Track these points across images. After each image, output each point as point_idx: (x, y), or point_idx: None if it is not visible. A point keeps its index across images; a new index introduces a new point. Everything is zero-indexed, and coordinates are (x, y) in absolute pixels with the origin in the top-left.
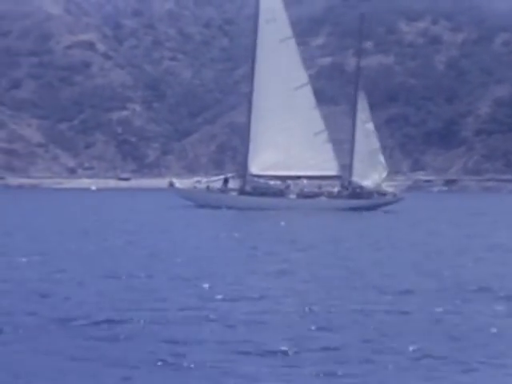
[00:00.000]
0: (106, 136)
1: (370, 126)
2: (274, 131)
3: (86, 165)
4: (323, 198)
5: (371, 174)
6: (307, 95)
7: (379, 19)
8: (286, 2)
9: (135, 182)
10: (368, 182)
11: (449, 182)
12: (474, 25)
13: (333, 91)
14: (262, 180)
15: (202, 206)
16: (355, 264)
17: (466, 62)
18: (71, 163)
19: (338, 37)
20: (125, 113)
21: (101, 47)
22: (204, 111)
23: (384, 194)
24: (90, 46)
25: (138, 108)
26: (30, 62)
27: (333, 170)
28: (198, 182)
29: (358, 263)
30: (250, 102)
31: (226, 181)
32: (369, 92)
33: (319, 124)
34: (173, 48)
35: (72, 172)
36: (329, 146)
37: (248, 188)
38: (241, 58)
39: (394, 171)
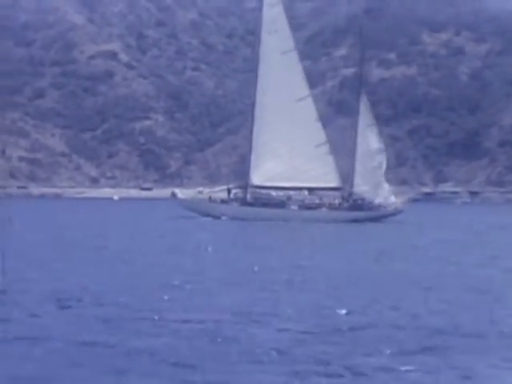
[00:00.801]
0: (128, 146)
1: (374, 140)
2: (276, 143)
3: (109, 174)
4: (324, 210)
5: (378, 190)
6: (309, 107)
7: (402, 30)
8: (310, 14)
9: (157, 192)
10: (380, 198)
11: (471, 194)
12: (497, 36)
13: (355, 102)
14: (263, 191)
15: (203, 216)
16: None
17: (489, 72)
18: (94, 173)
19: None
20: (147, 123)
21: (124, 57)
22: (226, 121)
23: (385, 206)
24: (113, 55)
25: (160, 118)
26: (53, 71)
27: (334, 182)
28: (200, 192)
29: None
30: (252, 114)
31: (229, 191)
32: (392, 103)
33: (321, 136)
34: (196, 58)
35: (94, 181)
36: (330, 158)
37: (250, 199)
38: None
39: (398, 183)
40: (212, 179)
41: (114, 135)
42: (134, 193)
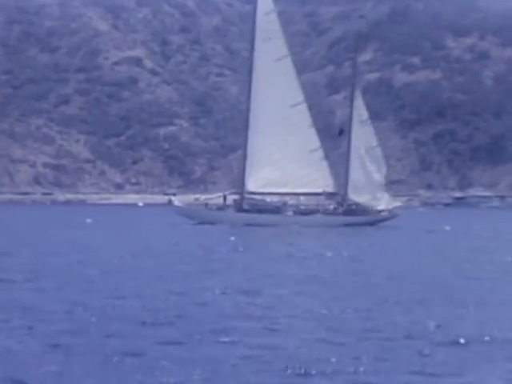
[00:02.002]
0: (152, 152)
1: (368, 139)
2: (271, 149)
3: (133, 180)
4: (319, 215)
5: (375, 194)
6: (303, 113)
7: (426, 35)
8: (333, 18)
9: (181, 198)
10: (381, 205)
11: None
12: None
13: (379, 107)
14: (258, 197)
15: (199, 223)
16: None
17: None
18: (118, 179)
19: (385, 52)
20: (172, 128)
21: (148, 63)
22: None
23: (379, 211)
24: (138, 62)
25: (184, 124)
26: (77, 78)
27: (328, 187)
28: (197, 199)
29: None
30: (246, 120)
31: (224, 198)
32: (416, 107)
33: (315, 141)
34: (219, 64)
35: (119, 187)
36: (324, 163)
37: (245, 205)
38: None
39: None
40: (236, 184)
41: (138, 141)
42: (159, 199)
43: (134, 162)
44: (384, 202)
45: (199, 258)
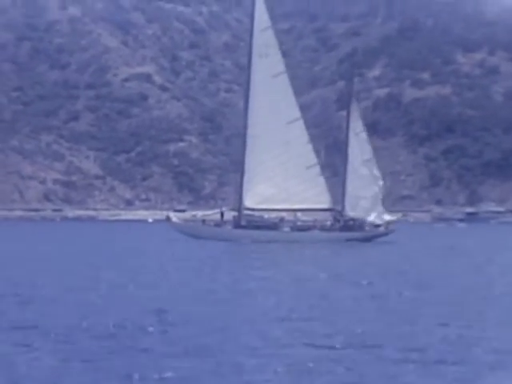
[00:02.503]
0: (162, 168)
1: (362, 151)
2: (268, 165)
3: (143, 196)
4: (316, 231)
5: (371, 208)
6: (300, 129)
7: (436, 50)
8: (343, 34)
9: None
10: (378, 219)
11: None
12: None
13: (389, 122)
14: (256, 213)
15: (197, 239)
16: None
17: None
18: (128, 195)
19: (394, 68)
20: (181, 145)
21: (158, 79)
22: None
23: (377, 226)
24: (147, 78)
25: (194, 140)
26: (87, 94)
27: (325, 203)
28: (194, 216)
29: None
30: (244, 137)
31: (222, 214)
32: (426, 123)
33: (312, 158)
34: (229, 80)
35: (129, 204)
36: (321, 179)
37: (243, 221)
38: (297, 88)
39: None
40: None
41: (147, 157)
42: None
43: (144, 178)
44: (381, 217)
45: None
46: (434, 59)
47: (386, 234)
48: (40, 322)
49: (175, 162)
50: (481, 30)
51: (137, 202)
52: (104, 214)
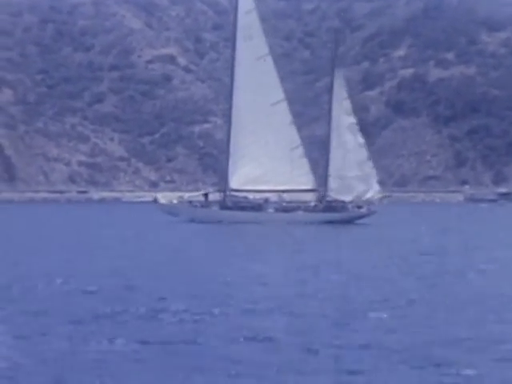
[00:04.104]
0: (187, 149)
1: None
2: (252, 146)
3: (168, 178)
4: (300, 212)
5: (358, 187)
6: (284, 111)
7: (460, 30)
8: (367, 15)
9: (213, 196)
10: (349, 197)
11: None
12: None
13: (414, 103)
14: (241, 194)
15: (184, 221)
16: None
17: None
18: (153, 177)
19: (419, 48)
20: (206, 126)
21: (182, 61)
22: None
23: (359, 207)
24: (171, 59)
25: (218, 121)
26: (111, 76)
27: (308, 184)
28: (181, 197)
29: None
30: (229, 119)
31: (206, 196)
32: (450, 103)
33: (295, 139)
34: None
35: (154, 185)
36: (305, 161)
37: (229, 202)
38: (322, 70)
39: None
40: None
41: (172, 139)
42: (194, 196)
43: (169, 160)
44: (375, 189)
45: None
46: (459, 39)
47: (368, 215)
48: None
49: (200, 143)
50: (505, 10)
51: (162, 184)
52: (129, 196)
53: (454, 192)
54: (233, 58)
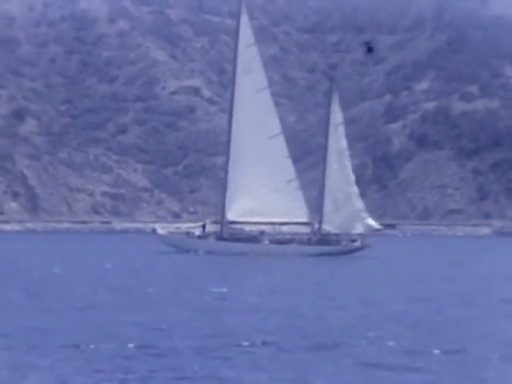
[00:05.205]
0: (210, 180)
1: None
2: (249, 179)
3: (191, 209)
4: (294, 245)
5: (353, 223)
6: (280, 144)
7: (484, 63)
8: (391, 47)
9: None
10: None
11: None
12: None
13: (437, 136)
14: (237, 226)
15: (181, 251)
16: None
17: None
18: (176, 207)
19: (442, 81)
20: None
21: (206, 92)
22: (307, 156)
23: (353, 241)
24: (195, 91)
25: None
26: (135, 107)
27: (303, 217)
28: (178, 228)
29: None
30: (227, 151)
31: (203, 227)
32: (474, 136)
33: (291, 172)
34: (277, 93)
35: (177, 216)
36: (300, 194)
37: (225, 234)
38: (344, 102)
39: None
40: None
41: (195, 170)
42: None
43: (192, 191)
44: (365, 223)
45: None
46: (483, 72)
47: (362, 249)
48: None
49: (223, 174)
50: None
51: (184, 215)
52: (150, 227)
53: (477, 226)
54: (232, 91)
